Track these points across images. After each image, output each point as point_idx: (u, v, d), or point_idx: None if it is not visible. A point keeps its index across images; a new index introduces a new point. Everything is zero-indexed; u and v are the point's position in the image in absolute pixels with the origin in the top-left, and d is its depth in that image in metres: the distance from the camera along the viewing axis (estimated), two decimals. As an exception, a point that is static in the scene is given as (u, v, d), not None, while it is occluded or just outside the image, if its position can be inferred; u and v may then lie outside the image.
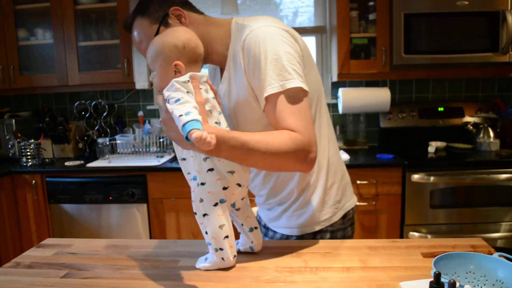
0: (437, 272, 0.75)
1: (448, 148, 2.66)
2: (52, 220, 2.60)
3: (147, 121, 2.93)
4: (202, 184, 0.96)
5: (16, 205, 2.60)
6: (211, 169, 0.95)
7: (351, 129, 2.92)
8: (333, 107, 2.97)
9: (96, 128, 3.01)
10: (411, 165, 2.32)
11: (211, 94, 0.98)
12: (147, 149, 2.73)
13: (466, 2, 2.38)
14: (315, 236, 1.21)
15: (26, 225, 2.61)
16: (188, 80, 0.92)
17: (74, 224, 2.58)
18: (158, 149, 2.76)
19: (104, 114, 2.99)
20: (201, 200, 0.97)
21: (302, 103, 1.01)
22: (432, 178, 2.28)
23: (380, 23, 2.54)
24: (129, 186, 2.50)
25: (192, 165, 0.98)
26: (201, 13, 1.16)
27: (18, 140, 2.72)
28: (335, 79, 2.72)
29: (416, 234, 2.34)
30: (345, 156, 2.41)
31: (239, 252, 1.10)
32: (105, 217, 2.55)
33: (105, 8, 2.76)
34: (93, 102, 2.98)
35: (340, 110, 2.74)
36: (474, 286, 0.86)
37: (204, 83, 0.98)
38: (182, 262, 1.07)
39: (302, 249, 1.12)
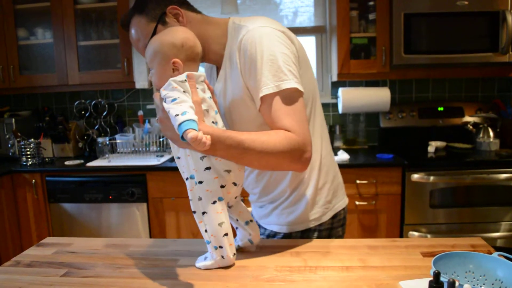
0: (436, 272, 0.75)
1: (448, 148, 2.66)
2: (52, 219, 2.60)
3: (147, 121, 2.93)
4: (200, 182, 0.97)
5: (16, 204, 2.60)
6: (208, 168, 0.97)
7: (351, 128, 2.92)
8: (333, 106, 2.97)
9: (96, 127, 3.01)
10: (411, 165, 2.32)
11: (208, 94, 0.99)
12: (147, 149, 2.73)
13: (466, 2, 2.38)
14: (303, 234, 1.22)
15: (26, 224, 2.61)
16: (185, 80, 0.93)
17: (74, 223, 2.58)
18: (158, 148, 2.76)
19: (104, 114, 2.99)
20: (200, 199, 0.98)
21: (297, 103, 1.01)
22: (432, 178, 2.28)
23: (380, 23, 2.54)
24: (129, 185, 2.50)
25: (188, 164, 0.99)
26: (199, 12, 1.17)
27: (18, 139, 2.72)
28: (335, 79, 2.72)
29: (415, 233, 2.34)
30: (345, 156, 2.41)
31: (239, 250, 1.10)
32: (105, 217, 2.55)
33: (105, 7, 2.76)
34: (93, 102, 2.98)
35: (340, 110, 2.74)
36: (474, 285, 0.86)
37: (201, 82, 0.98)
38: (182, 261, 1.07)
39: (302, 248, 1.13)
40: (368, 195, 2.37)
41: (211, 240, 0.98)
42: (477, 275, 0.88)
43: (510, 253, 0.92)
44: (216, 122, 0.99)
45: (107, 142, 2.73)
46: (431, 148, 2.57)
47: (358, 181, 2.34)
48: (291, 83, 1.00)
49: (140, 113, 2.99)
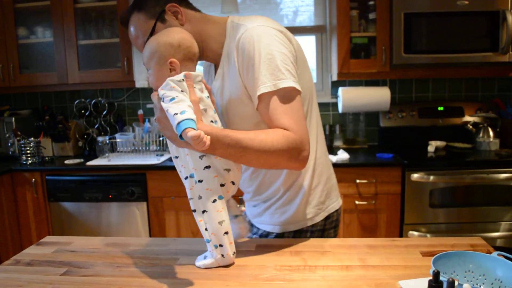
0: (436, 271, 0.75)
1: (448, 148, 2.66)
2: (51, 218, 2.60)
3: (147, 120, 2.92)
4: (200, 181, 0.97)
5: (16, 203, 2.60)
6: (208, 167, 0.97)
7: (351, 128, 2.92)
8: (333, 106, 2.97)
9: (96, 126, 3.01)
10: (410, 165, 2.32)
11: (205, 93, 0.99)
12: (147, 148, 2.73)
13: (466, 2, 2.38)
14: (296, 234, 1.22)
15: (26, 223, 2.61)
16: (183, 79, 0.94)
17: (73, 222, 2.58)
18: (158, 147, 2.76)
19: (104, 113, 2.99)
20: (200, 197, 0.98)
21: (294, 102, 1.02)
22: (431, 178, 2.28)
23: (380, 22, 2.53)
24: (129, 184, 2.50)
25: (187, 162, 0.99)
26: (198, 11, 1.17)
27: (18, 138, 2.72)
28: (335, 78, 2.72)
29: (415, 233, 2.34)
30: (345, 155, 2.41)
31: (237, 249, 1.10)
32: (105, 216, 2.55)
33: (105, 6, 2.76)
34: (93, 101, 2.98)
35: (340, 109, 2.74)
36: (473, 285, 0.87)
37: (198, 82, 0.99)
38: (181, 260, 1.07)
39: (302, 247, 1.13)
40: (368, 195, 2.37)
41: (211, 238, 0.98)
42: (477, 274, 0.88)
43: (510, 253, 0.92)
44: (216, 121, 1.00)
45: (107, 141, 2.73)
46: (431, 148, 2.57)
47: (358, 181, 2.34)
48: (288, 82, 1.00)
49: (140, 112, 2.99)
